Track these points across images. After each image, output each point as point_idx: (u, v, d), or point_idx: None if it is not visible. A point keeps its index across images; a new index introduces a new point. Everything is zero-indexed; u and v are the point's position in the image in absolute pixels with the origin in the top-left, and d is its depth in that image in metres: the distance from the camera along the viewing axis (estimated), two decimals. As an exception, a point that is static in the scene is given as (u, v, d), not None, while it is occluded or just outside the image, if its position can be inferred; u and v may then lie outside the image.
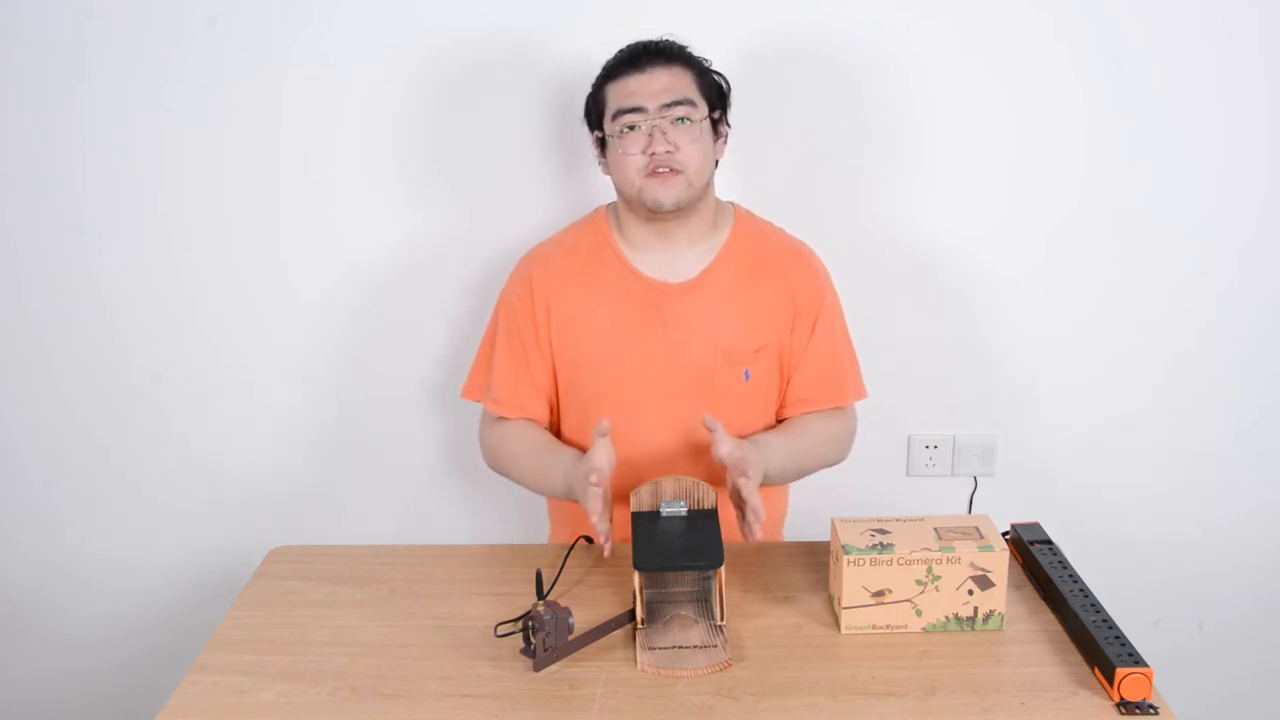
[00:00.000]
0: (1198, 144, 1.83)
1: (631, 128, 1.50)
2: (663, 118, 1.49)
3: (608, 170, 1.57)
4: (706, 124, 1.53)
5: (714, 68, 1.58)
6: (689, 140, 1.49)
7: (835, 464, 1.66)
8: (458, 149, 1.85)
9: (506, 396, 1.61)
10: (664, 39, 1.55)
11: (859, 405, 1.69)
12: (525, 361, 1.60)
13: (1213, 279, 1.89)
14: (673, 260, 1.58)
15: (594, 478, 1.37)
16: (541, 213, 1.84)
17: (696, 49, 1.58)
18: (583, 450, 1.53)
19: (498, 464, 1.65)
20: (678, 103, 1.49)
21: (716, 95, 1.57)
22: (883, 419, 1.93)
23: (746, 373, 1.55)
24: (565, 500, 1.55)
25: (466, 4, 1.78)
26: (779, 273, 1.58)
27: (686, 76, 1.52)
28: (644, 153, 1.49)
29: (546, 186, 1.86)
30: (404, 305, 1.91)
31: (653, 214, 1.53)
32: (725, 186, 1.66)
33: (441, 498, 2.01)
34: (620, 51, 1.55)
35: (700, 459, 1.53)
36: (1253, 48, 1.79)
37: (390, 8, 1.78)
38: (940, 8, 1.78)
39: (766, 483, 1.50)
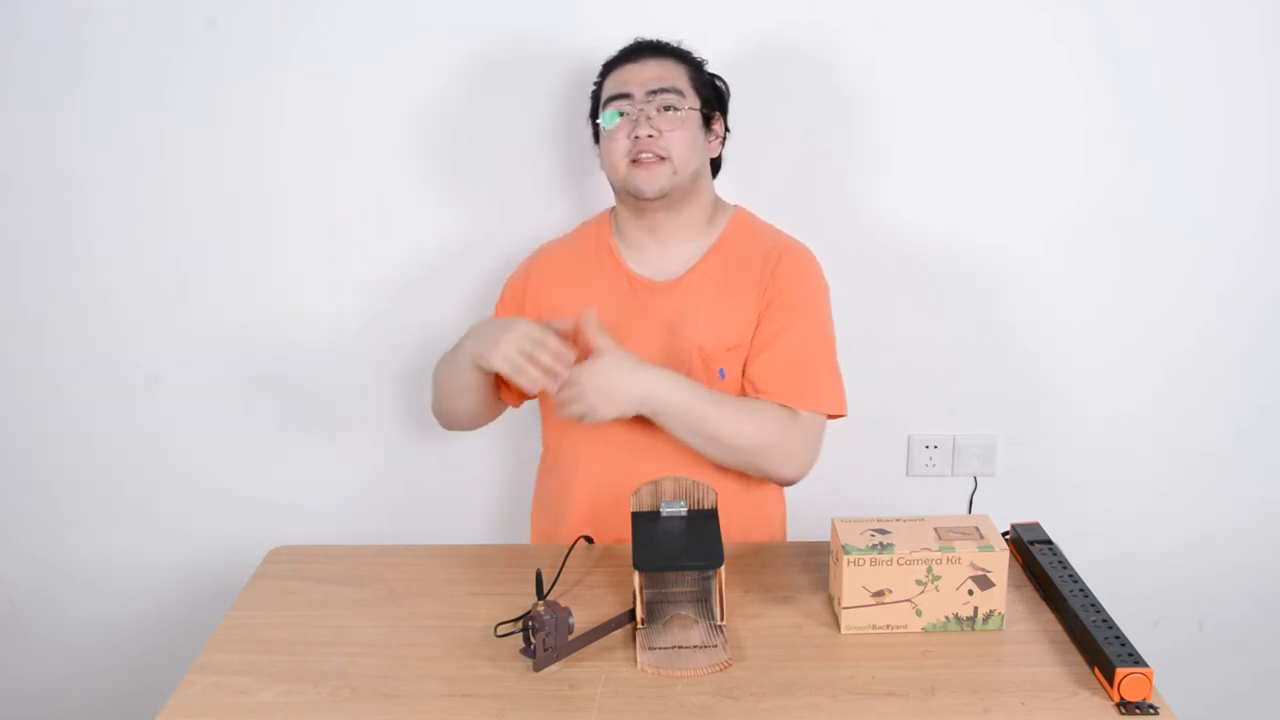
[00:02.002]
0: (1198, 144, 1.83)
1: (621, 114, 1.52)
2: (649, 104, 1.50)
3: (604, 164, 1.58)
4: (694, 115, 1.53)
5: (714, 70, 1.59)
6: (673, 127, 1.50)
7: (770, 464, 1.49)
8: (459, 149, 1.85)
9: None
10: (664, 40, 1.57)
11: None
12: None
13: (1213, 279, 1.89)
14: (664, 257, 1.58)
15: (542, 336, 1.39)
16: (547, 218, 1.84)
17: (697, 48, 1.59)
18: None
19: (435, 395, 1.64)
20: (664, 90, 1.51)
21: (713, 95, 1.58)
22: (883, 419, 1.94)
23: (722, 371, 1.54)
24: (472, 371, 1.51)
25: (466, 4, 1.78)
26: (763, 267, 1.54)
27: (679, 70, 1.54)
28: (628, 137, 1.50)
29: (550, 190, 1.86)
30: (403, 307, 1.91)
31: (640, 206, 1.54)
32: (725, 186, 1.66)
33: (441, 498, 2.01)
34: (622, 48, 1.58)
35: (683, 457, 1.51)
36: (1253, 48, 1.79)
37: (390, 7, 1.78)
38: (940, 8, 1.78)
39: (653, 416, 1.45)
